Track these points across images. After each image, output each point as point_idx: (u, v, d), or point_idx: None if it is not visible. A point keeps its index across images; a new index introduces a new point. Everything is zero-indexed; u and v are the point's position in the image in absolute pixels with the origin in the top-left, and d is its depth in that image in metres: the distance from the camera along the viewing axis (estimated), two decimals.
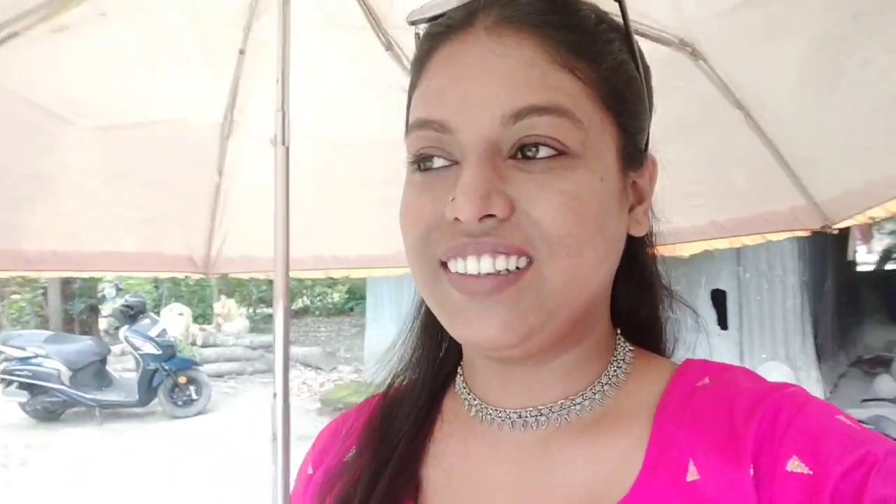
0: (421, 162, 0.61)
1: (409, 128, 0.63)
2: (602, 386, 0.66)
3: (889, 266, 13.05)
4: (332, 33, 1.37)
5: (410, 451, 0.73)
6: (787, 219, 1.54)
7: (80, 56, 1.30)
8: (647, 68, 0.67)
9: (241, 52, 1.36)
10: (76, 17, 1.18)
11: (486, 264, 0.57)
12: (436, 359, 0.77)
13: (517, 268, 0.57)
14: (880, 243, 16.40)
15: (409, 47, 1.52)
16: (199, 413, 8.67)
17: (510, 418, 0.67)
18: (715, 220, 1.58)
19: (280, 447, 1.05)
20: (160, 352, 8.40)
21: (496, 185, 0.57)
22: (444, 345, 0.77)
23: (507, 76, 0.58)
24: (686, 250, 1.65)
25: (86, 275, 1.81)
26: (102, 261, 1.75)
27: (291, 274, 2.08)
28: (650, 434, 0.62)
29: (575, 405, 0.65)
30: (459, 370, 0.73)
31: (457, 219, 0.57)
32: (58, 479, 6.53)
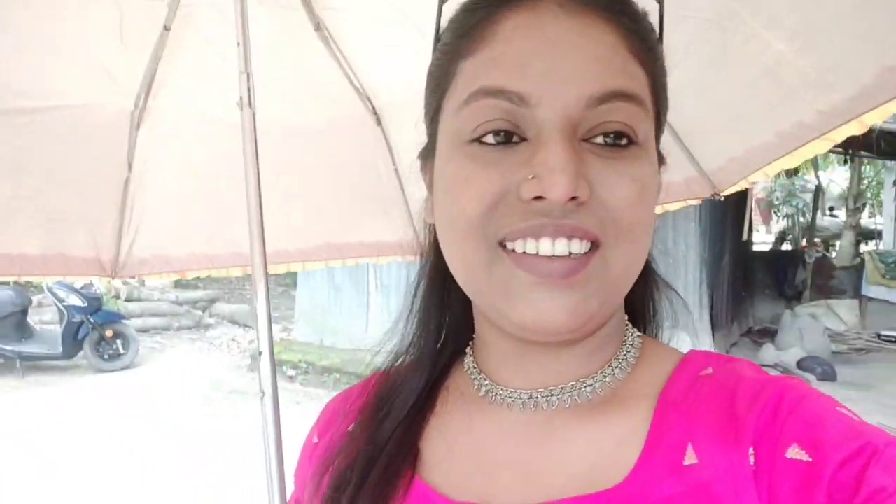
0: (485, 137, 0.59)
1: (472, 95, 0.60)
2: (612, 369, 0.67)
3: (784, 247, 14.45)
4: (261, 10, 1.35)
5: (411, 425, 0.74)
6: (682, 189, 1.68)
7: None
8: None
9: (167, 28, 1.31)
10: None
11: (561, 246, 0.57)
12: (439, 337, 0.78)
13: (584, 252, 0.57)
14: (777, 225, 18.33)
15: (334, 28, 1.53)
16: (126, 367, 8.46)
17: (521, 398, 0.68)
18: None
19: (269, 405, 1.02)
20: (86, 304, 8.05)
21: (579, 167, 0.56)
22: (447, 323, 0.78)
23: (595, 57, 0.57)
24: None
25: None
26: (2, 264, 1.60)
27: (208, 273, 2.01)
28: (652, 418, 0.63)
29: (586, 387, 0.66)
30: (469, 350, 0.74)
31: (537, 198, 0.56)
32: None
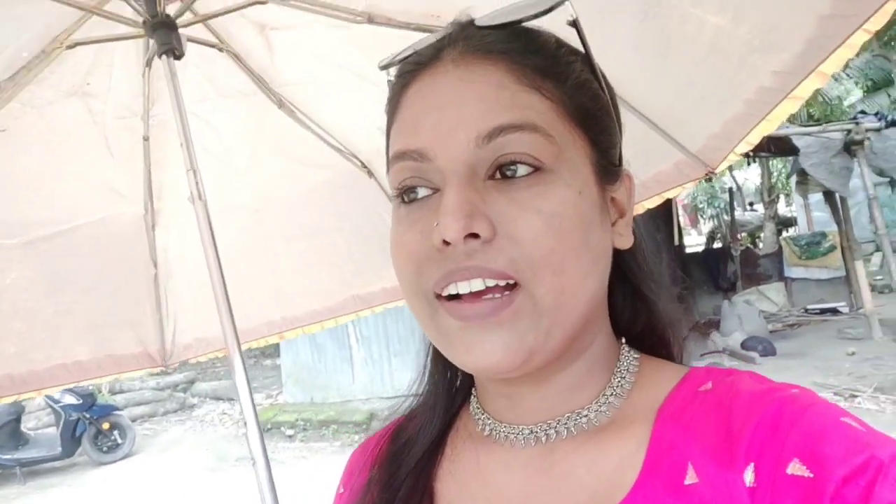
0: (404, 194, 0.62)
1: (390, 162, 0.64)
2: (607, 398, 0.67)
3: (716, 245, 15.41)
4: (223, 102, 1.47)
5: (424, 468, 0.76)
6: (674, 174, 1.66)
7: None
8: (610, 88, 0.69)
9: (146, 138, 1.45)
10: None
11: (476, 283, 0.58)
12: (451, 384, 0.80)
13: (507, 285, 0.58)
14: (706, 227, 20.28)
15: (299, 101, 1.63)
16: (126, 456, 8.85)
17: (522, 434, 0.69)
18: None
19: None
20: (81, 401, 8.46)
21: (478, 206, 0.58)
22: (459, 371, 0.80)
23: (478, 100, 0.60)
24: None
25: (46, 392, 1.81)
26: (60, 374, 1.77)
27: (249, 345, 2.13)
28: (650, 437, 0.63)
29: (582, 417, 0.66)
30: (473, 392, 0.76)
31: (444, 242, 0.57)
32: None
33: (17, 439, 8.51)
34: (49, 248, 1.60)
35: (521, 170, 0.58)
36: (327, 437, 7.91)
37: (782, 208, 18.44)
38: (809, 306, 10.70)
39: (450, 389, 0.79)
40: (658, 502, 0.58)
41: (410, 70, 0.65)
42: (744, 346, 8.19)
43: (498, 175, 0.59)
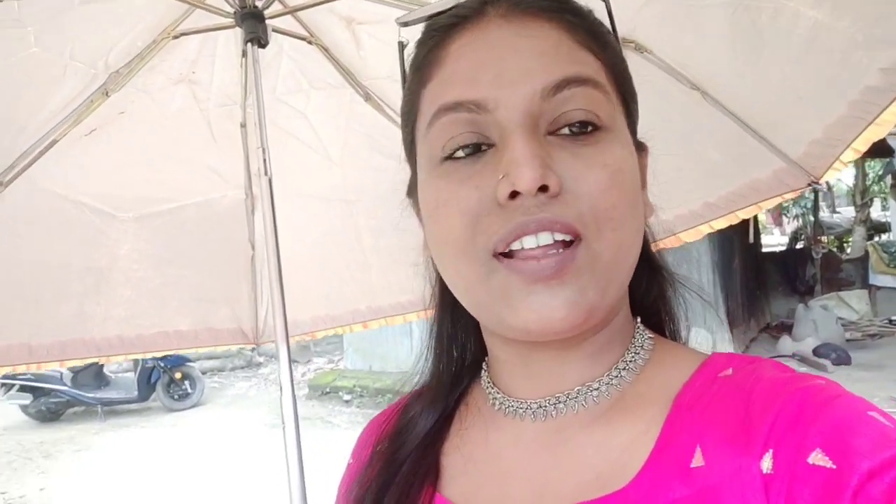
0: (455, 151, 0.60)
1: (435, 116, 0.62)
2: (619, 371, 0.66)
3: (799, 246, 14.64)
4: (315, 94, 1.56)
5: (431, 443, 0.76)
6: (773, 183, 1.53)
7: (109, 155, 1.52)
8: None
9: (243, 125, 1.56)
10: (100, 118, 1.41)
11: (544, 237, 0.57)
12: (460, 360, 0.80)
13: (568, 241, 0.57)
14: (790, 226, 19.31)
15: (386, 95, 1.69)
16: (194, 406, 9.54)
17: (531, 409, 0.68)
18: (707, 201, 1.61)
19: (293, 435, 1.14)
20: None
21: (546, 159, 0.57)
22: (469, 345, 0.79)
23: (540, 53, 0.59)
24: (689, 237, 1.68)
25: (150, 355, 2.00)
26: (162, 341, 1.94)
27: (336, 331, 2.23)
28: (664, 420, 0.61)
29: (592, 391, 0.66)
30: (484, 366, 0.76)
31: (511, 195, 0.56)
32: (76, 475, 7.08)
33: (100, 380, 9.41)
34: (159, 224, 1.76)
35: (585, 127, 0.58)
36: (382, 405, 8.56)
37: (877, 212, 17.42)
38: (894, 317, 10.18)
39: (458, 365, 0.79)
40: (664, 486, 0.57)
41: (449, 25, 0.64)
42: (816, 352, 7.91)
43: (563, 131, 0.58)
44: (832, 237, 15.76)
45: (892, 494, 0.46)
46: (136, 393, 9.26)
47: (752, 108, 1.46)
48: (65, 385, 8.94)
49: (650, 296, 0.73)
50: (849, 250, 14.52)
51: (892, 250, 11.31)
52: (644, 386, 0.65)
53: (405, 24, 0.69)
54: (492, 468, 0.70)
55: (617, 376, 0.65)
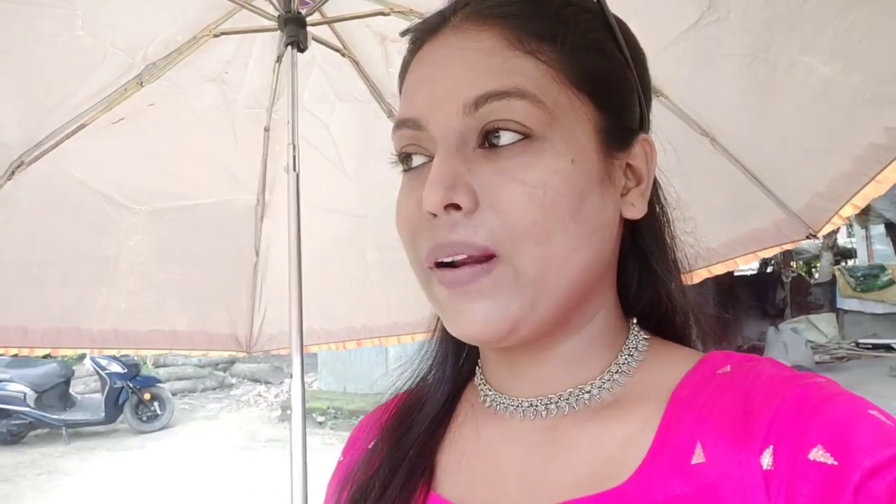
0: (404, 161, 0.63)
1: (393, 129, 0.64)
2: (612, 374, 0.66)
3: (769, 270, 15.18)
4: (340, 106, 1.60)
5: (428, 440, 0.76)
6: (772, 234, 1.58)
7: (132, 145, 1.55)
8: (634, 47, 0.67)
9: (266, 129, 1.60)
10: (130, 108, 1.45)
11: (459, 257, 0.58)
12: (457, 357, 0.80)
13: (487, 257, 0.58)
14: None
15: None
16: (164, 427, 9.44)
17: (521, 407, 0.68)
18: (708, 245, 1.65)
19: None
20: (126, 371, 9.09)
21: (463, 176, 0.57)
22: (466, 343, 0.76)
23: (468, 67, 0.59)
24: (692, 278, 1.72)
25: (142, 353, 1.98)
26: (156, 339, 1.93)
27: (330, 346, 2.22)
28: (662, 417, 0.61)
29: (584, 393, 0.65)
30: (479, 364, 0.76)
31: (430, 213, 0.57)
32: (38, 501, 6.81)
33: (65, 401, 9.21)
34: (171, 220, 1.78)
35: (507, 137, 0.57)
36: (355, 426, 8.67)
37: (843, 238, 17.82)
38: (861, 340, 10.57)
39: (455, 362, 0.79)
40: (664, 483, 0.57)
41: (417, 38, 0.65)
42: None
43: (486, 144, 0.58)
44: (801, 262, 16.31)
45: (893, 492, 0.46)
46: (102, 414, 9.08)
47: (759, 158, 1.52)
48: (28, 406, 8.74)
49: (645, 297, 0.71)
50: (817, 275, 14.90)
51: (858, 275, 11.65)
52: (640, 385, 0.65)
53: (403, 34, 0.71)
54: (484, 465, 0.70)
55: (609, 379, 0.65)
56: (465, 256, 0.57)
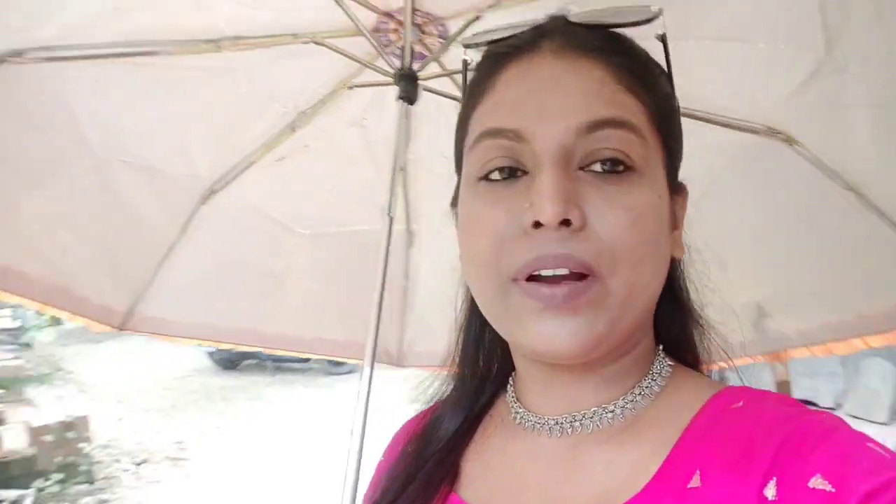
0: (490, 173, 0.63)
1: (478, 138, 0.65)
2: (635, 396, 0.68)
3: None
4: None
5: (455, 445, 0.80)
6: None
7: (295, 179, 1.80)
8: (678, 106, 0.70)
9: (401, 169, 1.75)
10: (288, 148, 1.69)
11: (561, 271, 0.59)
12: (486, 368, 0.82)
13: (583, 276, 0.59)
14: None
15: None
16: (350, 372, 10.12)
17: (548, 424, 0.70)
18: (861, 313, 1.42)
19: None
20: None
21: (572, 194, 0.59)
22: (495, 357, 0.81)
23: (582, 91, 0.61)
24: (840, 349, 1.49)
25: (305, 356, 2.27)
26: (318, 346, 2.20)
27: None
28: (673, 446, 0.63)
29: (607, 412, 0.67)
30: (511, 381, 0.78)
31: (536, 224, 0.58)
32: (248, 420, 8.08)
33: None
34: (331, 243, 2.02)
35: (616, 166, 0.60)
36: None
37: None
38: None
39: (483, 374, 0.81)
40: (659, 502, 0.59)
41: (505, 53, 0.66)
42: None
43: (594, 167, 0.60)
44: None
45: None
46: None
47: None
48: None
49: (675, 328, 0.73)
50: None
51: None
52: (657, 411, 0.67)
53: (468, 47, 0.73)
54: (507, 476, 0.73)
55: (632, 400, 0.67)
56: (566, 271, 0.59)
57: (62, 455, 6.25)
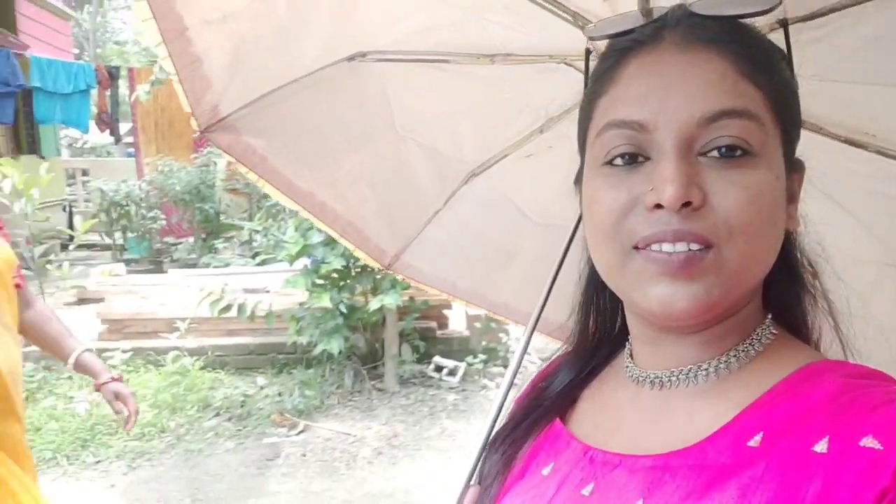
0: (614, 159, 0.68)
1: (604, 128, 0.69)
2: (729, 358, 0.72)
3: None
4: None
5: (572, 388, 0.91)
6: None
7: (537, 174, 2.16)
8: (797, 89, 0.73)
9: None
10: (535, 147, 2.06)
11: (679, 246, 0.63)
12: (604, 328, 0.94)
13: (700, 249, 0.63)
14: None
15: None
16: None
17: (649, 378, 0.78)
18: None
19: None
20: None
21: (692, 177, 0.63)
22: (617, 319, 0.92)
23: (703, 83, 0.64)
24: None
25: (519, 326, 2.63)
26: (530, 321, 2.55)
27: None
28: (749, 404, 0.67)
29: (701, 371, 0.72)
30: (629, 340, 0.87)
31: (657, 206, 0.62)
32: None
33: None
34: (555, 234, 2.33)
35: (733, 151, 0.63)
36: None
37: None
38: None
39: (601, 333, 0.93)
40: (718, 453, 0.64)
41: (628, 47, 0.70)
42: None
43: (713, 153, 0.64)
44: None
45: None
46: None
47: None
48: None
49: (789, 298, 0.77)
50: None
51: None
52: (749, 373, 0.70)
53: (592, 39, 0.80)
54: (609, 418, 0.82)
55: (726, 361, 0.71)
56: (685, 247, 0.63)
57: (487, 340, 7.62)
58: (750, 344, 0.72)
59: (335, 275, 6.43)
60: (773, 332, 0.73)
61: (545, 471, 0.81)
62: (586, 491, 0.73)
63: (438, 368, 7.33)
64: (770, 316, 0.75)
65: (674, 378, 0.74)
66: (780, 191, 0.67)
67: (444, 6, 1.54)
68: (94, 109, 12.01)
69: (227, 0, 1.43)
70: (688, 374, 0.73)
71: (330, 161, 2.02)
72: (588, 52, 0.83)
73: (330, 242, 6.17)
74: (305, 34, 1.62)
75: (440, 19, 1.60)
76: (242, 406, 6.30)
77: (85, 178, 15.14)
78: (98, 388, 2.64)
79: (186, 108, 1.64)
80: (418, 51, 1.74)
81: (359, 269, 6.47)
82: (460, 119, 1.99)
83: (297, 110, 1.82)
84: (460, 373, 7.22)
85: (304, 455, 5.55)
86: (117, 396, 2.63)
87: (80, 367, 2.62)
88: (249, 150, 1.86)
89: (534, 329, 1.52)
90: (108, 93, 12.19)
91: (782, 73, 0.69)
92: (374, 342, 7.10)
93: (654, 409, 0.76)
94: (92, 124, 12.22)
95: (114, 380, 2.65)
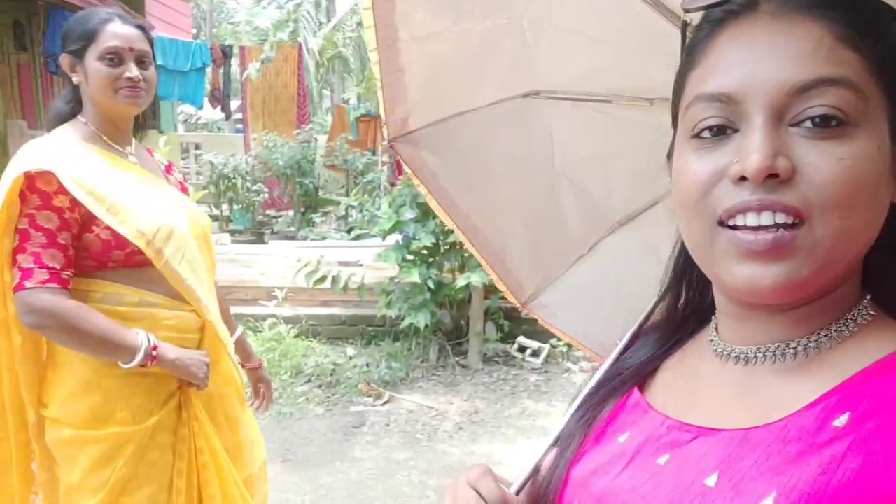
0: (702, 131, 0.67)
1: (693, 100, 0.67)
2: (819, 337, 0.70)
3: None
4: None
5: (654, 358, 0.91)
6: None
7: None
8: None
9: None
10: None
11: (765, 217, 0.61)
12: (692, 302, 0.93)
13: (791, 223, 0.60)
14: None
15: None
16: None
17: (734, 353, 0.76)
18: None
19: None
20: None
21: (781, 148, 0.60)
22: (707, 295, 0.89)
23: (797, 51, 0.61)
24: None
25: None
26: None
27: None
28: (838, 384, 0.65)
29: (789, 349, 0.71)
30: (715, 315, 0.86)
31: (742, 178, 0.60)
32: None
33: None
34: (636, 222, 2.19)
35: (828, 122, 0.60)
36: None
37: None
38: None
39: (689, 308, 0.93)
40: (801, 430, 0.63)
41: (721, 18, 0.68)
42: None
43: (807, 123, 0.61)
44: None
45: None
46: None
47: None
48: None
49: (890, 276, 0.73)
50: None
51: None
52: (840, 354, 0.68)
53: (687, 11, 0.75)
54: (688, 390, 0.82)
55: (816, 340, 0.69)
56: (770, 219, 0.60)
57: None
58: (844, 324, 0.69)
59: (425, 251, 6.68)
60: (872, 312, 0.70)
61: (622, 438, 0.82)
62: (662, 461, 0.73)
63: (522, 349, 7.31)
64: (869, 297, 0.72)
65: (760, 355, 0.72)
66: (884, 162, 0.63)
67: (616, 48, 1.68)
68: (208, 87, 12.63)
69: (433, 19, 1.67)
70: (774, 351, 0.71)
71: (490, 188, 2.15)
72: (685, 24, 0.82)
73: (421, 219, 6.43)
74: (490, 65, 1.84)
75: (609, 60, 1.75)
76: (332, 374, 6.65)
77: (198, 152, 15.94)
78: (246, 368, 2.87)
79: (381, 114, 1.91)
80: (585, 91, 1.88)
81: (447, 247, 6.64)
82: (613, 162, 2.06)
83: (471, 136, 2.00)
84: (544, 354, 7.13)
85: (388, 425, 5.81)
86: (260, 380, 2.90)
87: (237, 346, 2.78)
88: (424, 166, 2.06)
89: (643, 322, 1.56)
90: (221, 71, 12.81)
91: (892, 35, 0.64)
92: (460, 319, 7.23)
93: (737, 385, 0.74)
94: (205, 101, 12.86)
95: (260, 366, 2.93)
